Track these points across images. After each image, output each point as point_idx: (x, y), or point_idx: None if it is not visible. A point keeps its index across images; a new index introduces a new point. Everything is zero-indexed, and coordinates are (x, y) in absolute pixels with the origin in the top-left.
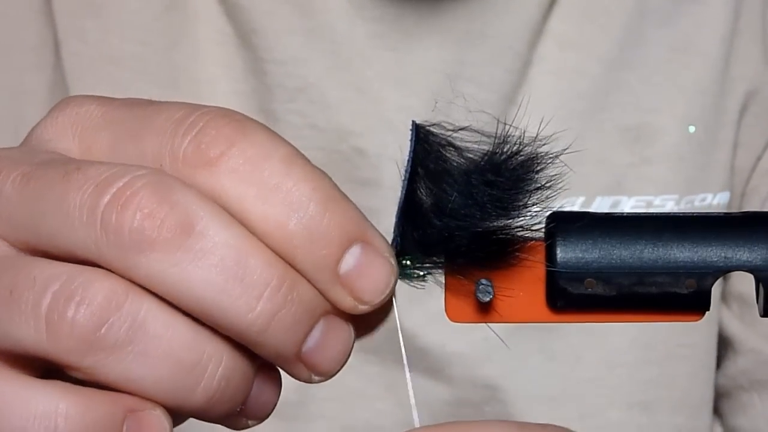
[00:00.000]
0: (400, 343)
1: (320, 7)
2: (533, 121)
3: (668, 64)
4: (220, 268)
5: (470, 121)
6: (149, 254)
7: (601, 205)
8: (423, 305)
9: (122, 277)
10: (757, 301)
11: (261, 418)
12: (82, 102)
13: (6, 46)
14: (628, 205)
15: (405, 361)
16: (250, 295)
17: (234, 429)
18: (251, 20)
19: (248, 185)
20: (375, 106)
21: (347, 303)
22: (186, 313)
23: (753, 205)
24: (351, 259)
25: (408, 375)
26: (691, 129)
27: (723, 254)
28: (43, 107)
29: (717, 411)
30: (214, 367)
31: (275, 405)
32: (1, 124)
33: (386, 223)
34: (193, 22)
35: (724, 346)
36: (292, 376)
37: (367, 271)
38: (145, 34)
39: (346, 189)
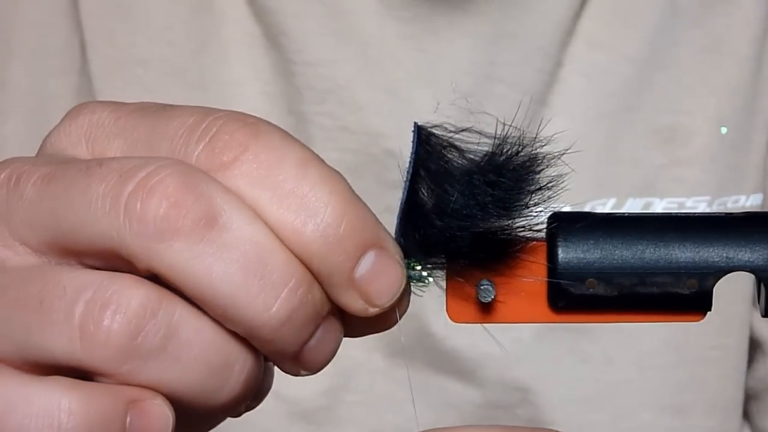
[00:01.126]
0: (400, 342)
1: (350, 8)
2: (564, 121)
3: (700, 65)
4: (242, 264)
5: (502, 122)
6: (172, 243)
7: (632, 207)
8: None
9: (143, 267)
10: (758, 302)
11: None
12: (94, 109)
13: (32, 50)
14: (660, 207)
15: (405, 363)
16: (269, 293)
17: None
18: (280, 22)
19: (263, 189)
20: (406, 107)
21: (358, 306)
22: (212, 318)
23: None
24: (366, 264)
25: (408, 376)
26: (723, 130)
27: (724, 254)
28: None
29: (746, 413)
30: (240, 368)
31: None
32: (28, 129)
33: None
34: (220, 23)
35: (753, 348)
36: (280, 368)
37: (381, 276)
38: (173, 35)
39: (377, 191)
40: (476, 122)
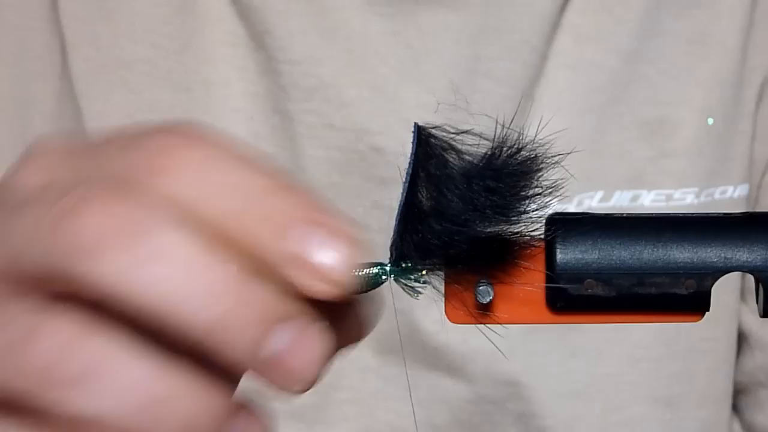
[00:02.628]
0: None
1: (334, 6)
2: (551, 115)
3: (686, 57)
4: (171, 272)
5: (489, 116)
6: (100, 258)
7: (620, 199)
8: (441, 303)
9: (80, 289)
10: (757, 302)
11: None
12: (45, 150)
13: (12, 55)
14: (648, 199)
15: (403, 362)
16: (200, 296)
17: None
18: (264, 20)
19: (200, 192)
20: (392, 103)
21: (309, 283)
22: (148, 348)
23: None
24: (303, 238)
25: (407, 374)
26: (710, 121)
27: (723, 255)
28: (49, 116)
29: (735, 407)
30: (175, 405)
31: None
32: (8, 134)
33: None
34: (204, 24)
35: (741, 342)
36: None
37: (326, 250)
38: (157, 37)
39: (365, 188)
40: (465, 118)
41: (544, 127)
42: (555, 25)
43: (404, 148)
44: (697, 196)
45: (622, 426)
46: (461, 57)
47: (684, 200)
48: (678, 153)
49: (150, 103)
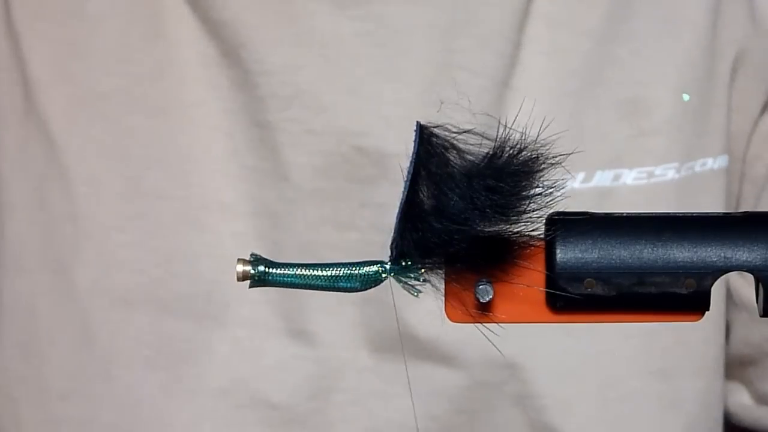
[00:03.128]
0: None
1: (305, 13)
2: (529, 102)
3: (658, 36)
4: None
5: (468, 107)
6: None
7: (602, 179)
8: (429, 298)
9: None
10: (757, 301)
11: None
12: None
13: None
14: (630, 177)
15: (405, 363)
16: None
17: None
18: (237, 35)
19: None
20: (370, 104)
21: None
22: None
23: (758, 172)
24: None
25: (407, 371)
26: (685, 97)
27: (722, 254)
28: (13, 165)
29: (744, 378)
30: None
31: None
32: None
33: (395, 216)
34: (175, 47)
35: (739, 311)
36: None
37: None
38: (129, 66)
39: (350, 189)
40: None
41: (526, 115)
42: (525, 13)
43: (386, 145)
44: (678, 170)
45: (619, 401)
46: (434, 52)
47: (665, 176)
48: (656, 130)
49: (127, 131)
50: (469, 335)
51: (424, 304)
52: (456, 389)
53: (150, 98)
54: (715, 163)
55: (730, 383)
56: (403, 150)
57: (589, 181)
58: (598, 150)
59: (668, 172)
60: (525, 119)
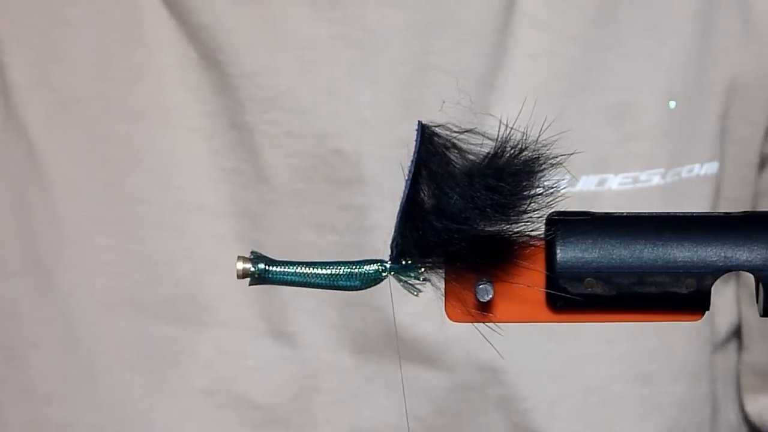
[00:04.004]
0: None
1: (282, 16)
2: (514, 104)
3: (644, 41)
4: None
5: (446, 107)
6: None
7: (586, 184)
8: (412, 299)
9: None
10: (757, 301)
11: None
12: None
13: None
14: (615, 182)
15: (399, 360)
16: None
17: None
18: (215, 38)
19: None
20: (348, 105)
21: None
22: None
23: None
24: None
25: (402, 378)
26: (672, 104)
27: (723, 254)
28: None
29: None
30: None
31: None
32: None
33: (373, 218)
34: (154, 51)
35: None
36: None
37: None
38: (107, 70)
39: (329, 191)
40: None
41: (501, 113)
42: (508, 15)
43: (364, 147)
44: (663, 176)
45: (602, 405)
46: (411, 53)
47: (650, 181)
48: (642, 136)
49: (106, 135)
50: (454, 337)
51: (407, 306)
52: (438, 390)
53: (129, 102)
54: (702, 169)
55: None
56: (379, 152)
57: (573, 186)
58: (583, 154)
59: (654, 178)
60: (512, 120)
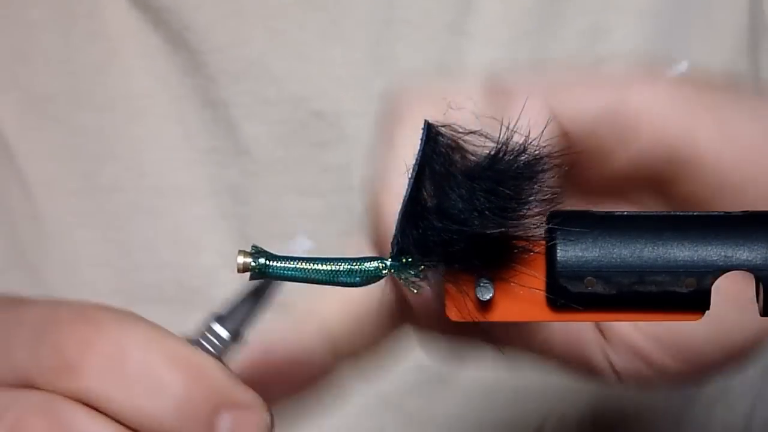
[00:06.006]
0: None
1: None
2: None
3: None
4: None
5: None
6: None
7: None
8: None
9: None
10: (757, 301)
11: None
12: None
13: None
14: None
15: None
16: None
17: None
18: (181, 18)
19: (111, 382)
20: (320, 67)
21: None
22: None
23: None
24: (224, 424)
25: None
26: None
27: (723, 253)
28: None
29: None
30: None
31: None
32: None
33: (357, 176)
34: (118, 42)
35: None
36: None
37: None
38: (73, 66)
39: (312, 153)
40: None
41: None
42: None
43: (341, 106)
44: None
45: None
46: (377, 8)
47: None
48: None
49: (78, 129)
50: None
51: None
52: None
53: (97, 95)
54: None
55: None
56: (357, 108)
57: None
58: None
59: None
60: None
